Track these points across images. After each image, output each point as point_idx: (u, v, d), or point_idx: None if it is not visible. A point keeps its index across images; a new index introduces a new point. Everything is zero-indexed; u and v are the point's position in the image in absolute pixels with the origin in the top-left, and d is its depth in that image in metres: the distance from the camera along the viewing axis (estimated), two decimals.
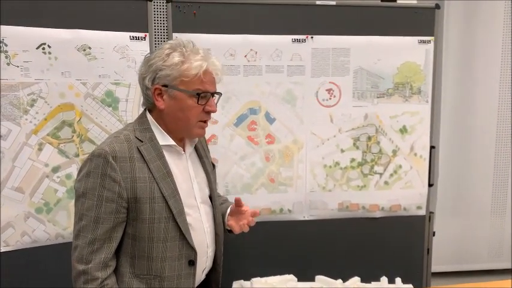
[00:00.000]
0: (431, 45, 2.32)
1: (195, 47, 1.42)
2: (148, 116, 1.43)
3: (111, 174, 1.30)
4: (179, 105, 1.38)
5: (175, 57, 1.36)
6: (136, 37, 2.04)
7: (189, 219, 1.41)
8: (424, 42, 2.31)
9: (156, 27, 2.07)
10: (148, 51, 2.04)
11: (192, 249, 1.41)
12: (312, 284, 1.79)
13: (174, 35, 2.10)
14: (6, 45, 1.84)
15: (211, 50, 2.12)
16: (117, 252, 1.37)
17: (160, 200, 1.35)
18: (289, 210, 2.32)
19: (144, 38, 2.06)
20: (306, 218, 2.34)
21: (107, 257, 1.32)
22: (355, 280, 1.82)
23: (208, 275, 1.56)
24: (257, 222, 2.29)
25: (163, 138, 1.41)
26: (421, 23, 2.30)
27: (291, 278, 1.81)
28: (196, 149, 1.54)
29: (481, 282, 2.04)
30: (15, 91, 1.87)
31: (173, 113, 1.39)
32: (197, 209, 1.46)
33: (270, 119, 2.25)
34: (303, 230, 2.33)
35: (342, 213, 2.36)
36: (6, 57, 1.84)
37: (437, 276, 2.99)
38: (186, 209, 1.40)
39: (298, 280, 1.80)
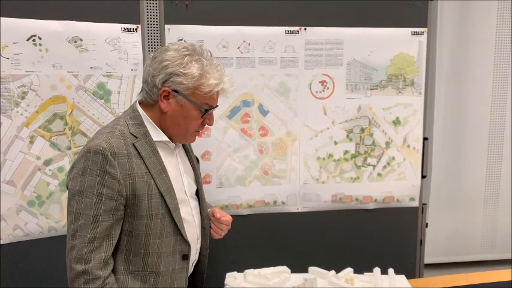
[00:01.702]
0: (424, 37, 2.32)
1: (212, 58, 1.42)
2: (140, 110, 1.41)
3: (111, 171, 1.28)
4: (183, 113, 1.39)
5: (194, 69, 1.35)
6: (128, 29, 2.02)
7: (182, 213, 1.42)
8: (417, 33, 2.31)
9: (148, 19, 2.05)
10: (140, 42, 2.03)
11: (186, 244, 1.43)
12: (305, 275, 1.79)
13: (167, 26, 2.09)
14: None
15: (204, 42, 2.13)
16: (114, 250, 1.35)
17: (157, 196, 1.35)
18: (283, 203, 2.32)
19: (136, 29, 2.04)
20: (300, 210, 2.34)
21: (107, 255, 1.30)
22: (348, 271, 1.83)
23: (195, 266, 1.59)
24: (251, 215, 2.31)
25: (157, 134, 1.40)
26: (415, 14, 2.29)
27: (284, 269, 1.82)
28: (183, 144, 1.56)
29: (476, 273, 2.05)
30: (5, 83, 1.85)
31: (175, 118, 1.39)
32: (188, 204, 1.48)
33: (264, 112, 2.25)
34: (297, 222, 2.34)
35: (336, 205, 2.36)
36: None
37: (430, 267, 3.01)
38: (179, 204, 1.42)
39: (292, 271, 1.81)
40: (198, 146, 2.20)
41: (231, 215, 2.25)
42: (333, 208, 2.36)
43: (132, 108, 1.44)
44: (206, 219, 1.58)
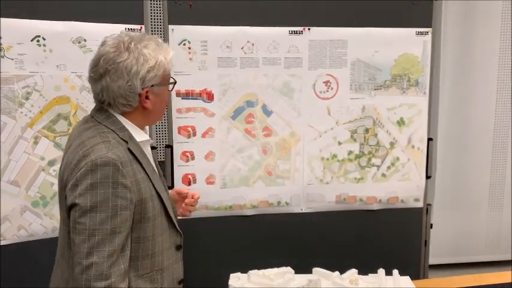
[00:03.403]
0: (429, 37, 2.31)
1: (144, 35, 1.36)
2: (116, 114, 1.34)
3: (123, 182, 1.24)
4: (161, 99, 1.37)
5: (157, 56, 1.30)
6: (132, 29, 2.02)
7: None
8: (421, 33, 2.30)
9: (152, 19, 2.05)
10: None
11: (178, 234, 1.47)
12: (309, 276, 1.79)
13: (170, 27, 2.09)
14: (0, 37, 1.82)
15: (208, 42, 2.13)
16: None
17: (156, 196, 1.35)
18: (287, 203, 2.32)
19: (140, 30, 2.04)
20: (304, 211, 2.34)
21: (125, 266, 1.26)
22: (353, 272, 1.82)
23: None
24: (255, 215, 2.30)
25: (139, 135, 1.36)
26: (419, 14, 2.28)
27: (288, 270, 1.81)
28: None
29: (479, 274, 2.04)
30: (10, 84, 1.85)
31: (157, 108, 1.37)
32: (168, 197, 1.49)
33: (267, 112, 2.24)
34: (301, 222, 2.33)
35: (340, 206, 2.35)
36: (1, 50, 1.82)
37: (435, 268, 3.00)
38: None
39: (296, 272, 1.80)
40: (201, 147, 2.20)
41: (235, 216, 2.27)
42: (337, 209, 2.35)
43: (104, 114, 1.34)
44: (174, 209, 1.56)
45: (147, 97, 1.32)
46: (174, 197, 1.62)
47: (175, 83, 1.40)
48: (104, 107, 1.34)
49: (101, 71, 1.28)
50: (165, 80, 1.35)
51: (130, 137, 1.33)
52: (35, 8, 1.86)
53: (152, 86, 1.31)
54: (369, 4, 2.24)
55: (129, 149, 1.30)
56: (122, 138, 1.30)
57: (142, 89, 1.30)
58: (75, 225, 1.23)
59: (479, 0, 2.99)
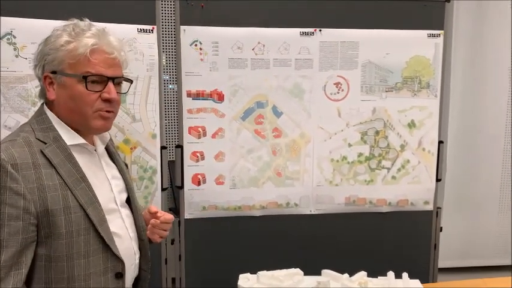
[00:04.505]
0: (441, 39, 2.30)
1: (89, 24, 1.24)
2: (48, 112, 1.23)
3: (12, 186, 1.07)
4: (69, 93, 1.19)
5: (63, 38, 1.18)
6: (144, 30, 2.04)
7: (111, 227, 1.24)
8: (433, 36, 2.29)
9: (164, 20, 2.06)
10: (155, 43, 2.04)
11: (119, 260, 1.24)
12: (318, 278, 1.78)
13: (182, 27, 2.10)
14: (14, 37, 1.84)
15: (219, 43, 2.13)
16: (27, 281, 1.14)
17: (76, 209, 1.16)
18: (296, 204, 2.32)
19: (152, 30, 2.05)
20: (313, 212, 2.33)
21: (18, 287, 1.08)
22: (362, 274, 1.81)
23: (135, 284, 1.40)
24: (263, 216, 2.30)
25: (71, 137, 1.22)
26: (431, 16, 2.27)
27: (297, 271, 1.81)
28: (106, 147, 1.37)
29: (490, 278, 2.02)
30: (23, 83, 1.87)
31: (64, 103, 1.20)
32: (119, 214, 1.31)
33: (277, 113, 2.25)
34: (310, 224, 2.33)
35: (349, 208, 2.35)
36: (15, 49, 1.84)
37: (444, 271, 2.97)
38: (107, 216, 1.23)
39: (305, 274, 1.80)
40: (211, 147, 2.20)
41: (244, 216, 2.27)
42: (346, 211, 2.35)
43: (39, 111, 1.24)
44: (143, 230, 1.38)
45: (50, 84, 1.21)
46: (146, 216, 1.42)
47: (85, 79, 1.18)
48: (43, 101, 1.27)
49: None
50: (74, 70, 1.18)
51: (56, 138, 1.19)
52: (48, 8, 1.88)
53: (55, 73, 1.19)
54: (381, 6, 2.23)
55: (41, 152, 1.15)
56: (38, 139, 1.17)
57: (43, 73, 1.21)
58: None
59: (491, 2, 2.97)
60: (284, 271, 1.79)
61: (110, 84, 1.22)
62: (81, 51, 1.17)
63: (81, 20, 1.28)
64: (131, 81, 1.32)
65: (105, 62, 1.21)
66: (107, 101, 1.22)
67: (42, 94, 1.25)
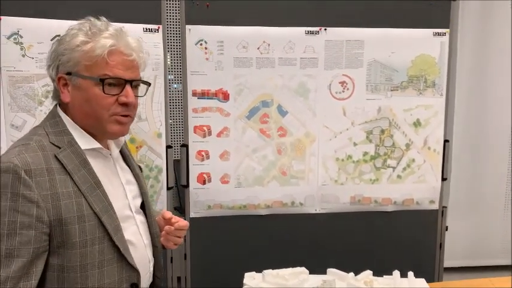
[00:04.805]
0: (446, 38, 2.29)
1: (106, 23, 1.18)
2: (63, 115, 1.17)
3: (26, 193, 1.02)
4: (84, 96, 1.14)
5: (78, 38, 1.12)
6: (149, 29, 2.04)
7: (126, 234, 1.19)
8: (439, 34, 2.28)
9: (169, 19, 2.07)
10: (161, 43, 2.04)
11: (134, 270, 1.19)
12: (324, 277, 1.78)
13: (187, 27, 2.10)
14: (21, 36, 1.85)
15: (224, 42, 2.13)
16: None
17: (91, 217, 1.10)
18: (301, 203, 2.32)
19: (157, 30, 2.06)
20: (318, 211, 2.34)
21: None
22: (367, 273, 1.81)
23: None
24: (269, 215, 2.30)
25: (86, 141, 1.16)
26: (437, 15, 2.26)
27: (302, 270, 1.81)
28: (121, 150, 1.31)
29: (496, 277, 2.01)
30: (30, 83, 1.88)
31: (79, 106, 1.15)
32: (134, 221, 1.25)
33: (283, 112, 2.25)
34: (315, 223, 2.33)
35: (354, 207, 2.35)
36: (22, 49, 1.86)
37: (450, 271, 2.97)
38: (121, 224, 1.18)
39: (310, 273, 1.80)
40: (216, 146, 2.21)
41: (249, 215, 2.27)
42: (351, 210, 2.35)
43: (52, 113, 1.19)
44: (157, 236, 1.32)
45: (64, 85, 1.15)
46: (160, 222, 1.37)
47: (103, 82, 1.13)
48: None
49: None
50: (90, 72, 1.13)
51: (71, 143, 1.14)
52: (54, 7, 1.89)
53: (70, 74, 1.13)
54: (386, 4, 2.22)
55: (55, 157, 1.10)
56: (52, 143, 1.12)
57: (57, 73, 1.15)
58: None
59: (497, 1, 2.95)
60: (289, 270, 1.79)
61: (128, 88, 1.16)
62: (98, 52, 1.11)
63: (98, 19, 1.21)
64: (149, 84, 1.27)
65: (123, 64, 1.15)
66: (124, 104, 1.16)
67: (56, 96, 1.20)
